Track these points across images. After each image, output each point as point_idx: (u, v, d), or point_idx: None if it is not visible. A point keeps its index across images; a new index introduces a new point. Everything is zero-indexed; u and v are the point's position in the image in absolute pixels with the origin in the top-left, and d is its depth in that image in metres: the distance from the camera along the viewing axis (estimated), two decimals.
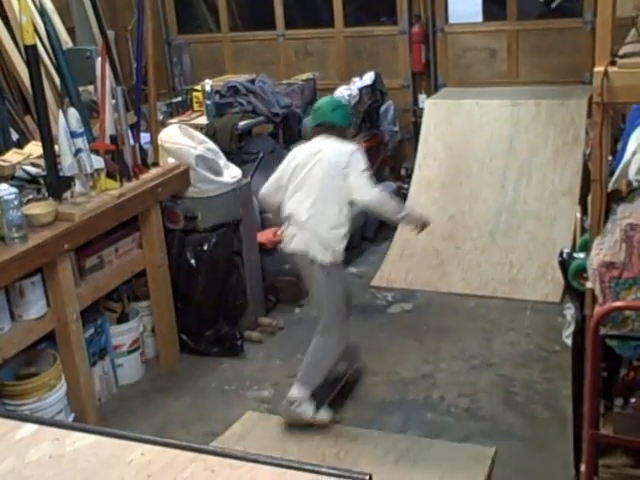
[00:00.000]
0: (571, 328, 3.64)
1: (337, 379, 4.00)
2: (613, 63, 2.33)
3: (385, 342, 4.54)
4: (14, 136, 5.06)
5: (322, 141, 3.78)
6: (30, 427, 1.43)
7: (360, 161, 3.67)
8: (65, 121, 3.58)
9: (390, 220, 4.10)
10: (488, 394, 3.93)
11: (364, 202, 3.67)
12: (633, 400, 2.42)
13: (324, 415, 3.70)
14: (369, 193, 3.63)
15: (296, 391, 3.67)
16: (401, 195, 6.12)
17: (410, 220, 3.87)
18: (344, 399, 3.94)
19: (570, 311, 4.15)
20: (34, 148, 4.19)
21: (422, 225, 3.87)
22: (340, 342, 3.78)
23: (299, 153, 3.82)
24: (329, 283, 3.71)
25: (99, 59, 3.89)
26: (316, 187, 3.67)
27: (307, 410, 3.65)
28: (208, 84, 5.71)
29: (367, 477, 1.22)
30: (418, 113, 6.52)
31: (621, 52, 2.41)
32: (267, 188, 3.91)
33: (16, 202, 3.31)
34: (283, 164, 3.87)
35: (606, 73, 2.29)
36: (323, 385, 3.78)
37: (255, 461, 1.28)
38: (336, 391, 3.95)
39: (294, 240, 3.72)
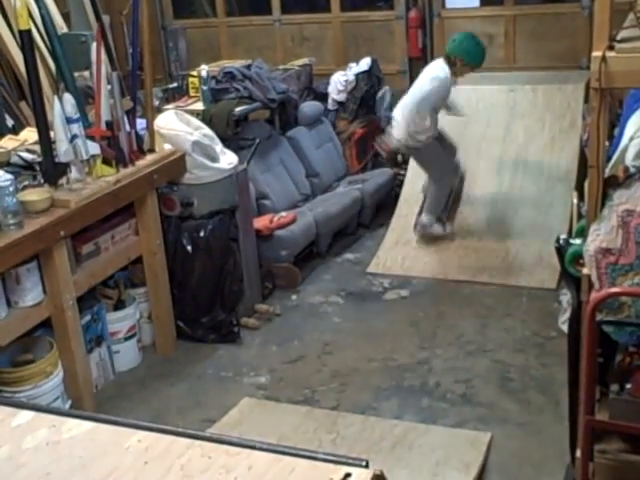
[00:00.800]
0: (567, 314, 3.64)
1: (448, 198, 5.37)
2: (611, 48, 2.31)
3: (381, 328, 4.55)
4: (9, 122, 5.03)
5: (439, 62, 5.03)
6: (27, 414, 1.42)
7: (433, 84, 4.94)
8: (60, 107, 3.56)
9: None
10: (484, 380, 3.94)
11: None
12: (628, 386, 2.42)
13: (448, 228, 5.34)
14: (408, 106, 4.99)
15: (426, 218, 5.28)
16: (397, 181, 6.13)
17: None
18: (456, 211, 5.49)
19: (566, 297, 4.16)
20: (29, 134, 4.17)
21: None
22: (450, 181, 5.30)
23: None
24: (426, 154, 5.18)
25: (94, 44, 3.87)
26: (411, 95, 5.05)
27: (437, 229, 5.30)
28: (204, 70, 5.69)
29: (364, 463, 1.22)
30: None
31: (619, 37, 2.40)
32: None
33: (12, 189, 3.30)
34: None
35: (604, 58, 2.27)
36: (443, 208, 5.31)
37: (252, 447, 1.28)
38: (449, 208, 5.41)
39: (391, 136, 5.18)
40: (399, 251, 5.39)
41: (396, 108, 5.21)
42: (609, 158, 2.86)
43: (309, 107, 6.28)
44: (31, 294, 3.47)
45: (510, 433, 3.49)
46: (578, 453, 2.48)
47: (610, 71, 2.29)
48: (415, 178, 5.72)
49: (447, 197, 5.35)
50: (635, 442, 2.39)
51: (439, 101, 5.06)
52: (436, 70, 4.98)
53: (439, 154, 5.23)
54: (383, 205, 6.07)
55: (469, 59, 4.94)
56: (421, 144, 5.09)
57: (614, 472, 2.44)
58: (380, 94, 6.43)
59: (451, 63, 4.93)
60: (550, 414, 3.58)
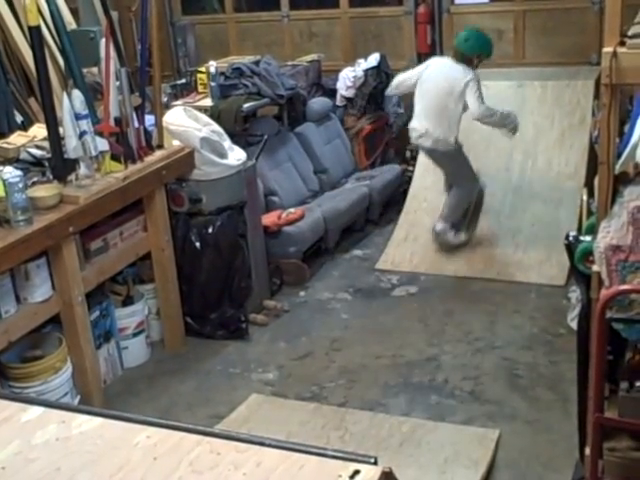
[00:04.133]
0: (576, 311, 3.63)
1: (468, 208, 5.23)
2: (622, 44, 2.30)
3: (390, 325, 4.54)
4: (18, 118, 5.05)
5: (450, 63, 5.01)
6: (36, 410, 1.43)
7: (474, 86, 4.87)
8: (69, 103, 3.57)
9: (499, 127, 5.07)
10: (492, 377, 3.93)
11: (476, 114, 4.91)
12: (638, 384, 2.41)
13: (464, 236, 5.21)
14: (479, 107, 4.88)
15: (440, 225, 5.15)
16: (406, 178, 6.12)
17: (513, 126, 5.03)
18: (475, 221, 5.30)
19: (575, 294, 4.14)
20: (38, 130, 4.18)
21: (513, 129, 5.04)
22: (473, 189, 5.18)
23: (430, 66, 5.10)
24: (457, 158, 5.12)
25: (103, 40, 3.87)
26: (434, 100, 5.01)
27: (450, 236, 5.16)
28: (212, 66, 5.68)
29: (372, 460, 1.22)
30: None
31: (630, 32, 2.39)
32: (399, 81, 5.31)
33: (21, 185, 3.30)
34: (417, 69, 5.21)
35: (615, 54, 2.26)
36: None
37: (260, 444, 1.28)
38: (468, 218, 5.25)
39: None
40: (408, 247, 5.38)
41: (424, 114, 5.04)
42: (619, 155, 2.85)
43: (317, 103, 6.28)
44: (40, 290, 3.48)
45: (518, 430, 3.48)
46: (587, 451, 2.47)
47: (621, 67, 2.27)
48: (424, 174, 5.71)
49: (466, 206, 5.21)
50: None
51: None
52: (461, 71, 4.91)
53: (467, 160, 5.17)
54: (391, 201, 6.07)
55: (488, 53, 5.03)
56: (453, 147, 5.02)
57: (623, 470, 2.43)
58: (388, 90, 6.40)
59: (468, 61, 4.92)
60: (559, 411, 3.57)
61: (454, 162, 5.10)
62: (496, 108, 4.90)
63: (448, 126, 4.95)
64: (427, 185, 5.58)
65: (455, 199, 5.15)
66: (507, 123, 4.96)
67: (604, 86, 2.33)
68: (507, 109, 4.96)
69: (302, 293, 5.00)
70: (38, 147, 3.93)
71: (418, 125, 5.06)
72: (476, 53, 4.96)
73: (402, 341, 4.33)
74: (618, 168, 2.66)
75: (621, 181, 2.54)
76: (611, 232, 2.34)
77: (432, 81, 5.01)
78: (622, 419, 2.41)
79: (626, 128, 3.30)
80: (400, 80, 5.28)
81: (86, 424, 1.37)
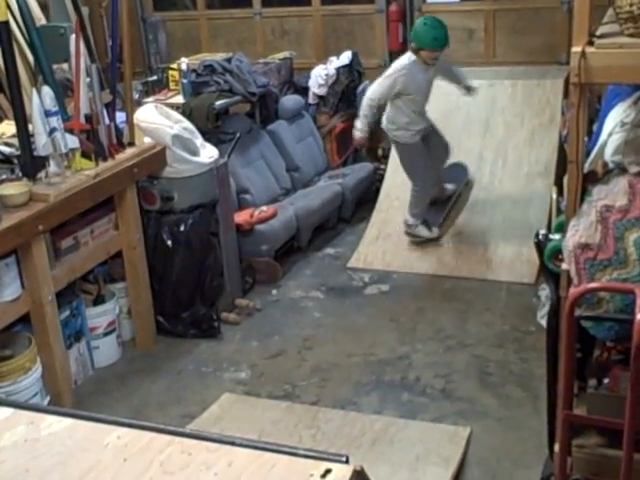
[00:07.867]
0: (545, 309, 3.66)
1: (447, 200, 5.46)
2: (590, 43, 2.32)
3: (362, 323, 4.56)
4: None
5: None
6: (5, 411, 1.41)
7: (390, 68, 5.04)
8: (39, 100, 3.53)
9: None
10: (463, 375, 3.96)
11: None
12: (606, 381, 2.44)
13: (435, 231, 5.27)
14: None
15: (408, 217, 5.26)
16: (378, 176, 6.14)
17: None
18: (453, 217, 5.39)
19: (545, 292, 4.18)
20: (7, 127, 4.13)
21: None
22: (426, 190, 5.23)
23: None
24: (405, 154, 5.22)
25: (73, 36, 3.84)
26: None
27: (421, 230, 5.24)
28: (184, 63, 5.66)
29: (344, 458, 1.22)
30: None
31: (598, 32, 2.41)
32: None
33: None
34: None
35: (584, 53, 2.28)
36: (434, 209, 5.37)
37: (232, 444, 1.28)
38: (446, 212, 5.40)
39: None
40: (380, 246, 5.40)
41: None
42: (588, 153, 2.88)
43: (290, 101, 6.27)
44: (9, 289, 3.44)
45: (489, 427, 3.51)
46: (556, 447, 2.49)
47: (589, 66, 2.29)
48: (396, 173, 5.72)
49: (427, 200, 5.28)
50: (612, 437, 2.41)
51: (402, 89, 4.93)
52: (400, 60, 5.02)
53: (418, 159, 5.18)
54: (364, 199, 6.08)
55: (419, 42, 4.86)
56: (401, 140, 5.11)
57: (592, 466, 2.46)
58: (361, 88, 6.42)
59: (414, 51, 4.91)
60: (529, 409, 3.60)
61: (404, 157, 5.23)
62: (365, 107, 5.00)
63: (390, 113, 5.08)
64: (399, 183, 5.60)
65: (413, 194, 5.25)
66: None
67: (573, 85, 2.35)
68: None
69: (274, 292, 4.99)
70: (7, 144, 3.89)
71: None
72: (412, 41, 4.97)
73: (374, 339, 4.35)
74: (587, 167, 2.69)
75: (590, 180, 2.56)
76: (580, 230, 2.37)
77: None
78: (590, 416, 2.44)
79: (595, 127, 3.34)
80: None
81: (55, 425, 1.36)
